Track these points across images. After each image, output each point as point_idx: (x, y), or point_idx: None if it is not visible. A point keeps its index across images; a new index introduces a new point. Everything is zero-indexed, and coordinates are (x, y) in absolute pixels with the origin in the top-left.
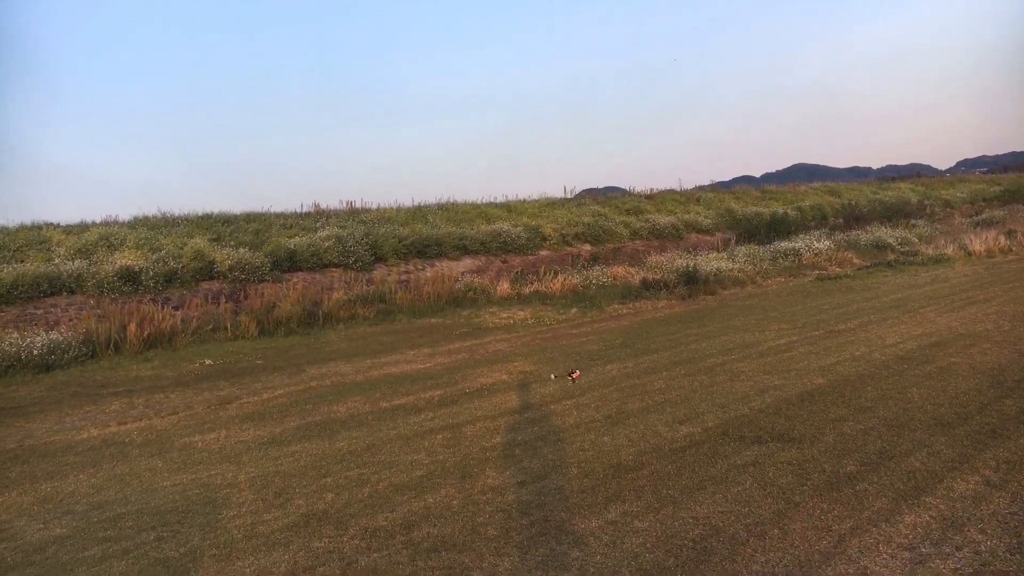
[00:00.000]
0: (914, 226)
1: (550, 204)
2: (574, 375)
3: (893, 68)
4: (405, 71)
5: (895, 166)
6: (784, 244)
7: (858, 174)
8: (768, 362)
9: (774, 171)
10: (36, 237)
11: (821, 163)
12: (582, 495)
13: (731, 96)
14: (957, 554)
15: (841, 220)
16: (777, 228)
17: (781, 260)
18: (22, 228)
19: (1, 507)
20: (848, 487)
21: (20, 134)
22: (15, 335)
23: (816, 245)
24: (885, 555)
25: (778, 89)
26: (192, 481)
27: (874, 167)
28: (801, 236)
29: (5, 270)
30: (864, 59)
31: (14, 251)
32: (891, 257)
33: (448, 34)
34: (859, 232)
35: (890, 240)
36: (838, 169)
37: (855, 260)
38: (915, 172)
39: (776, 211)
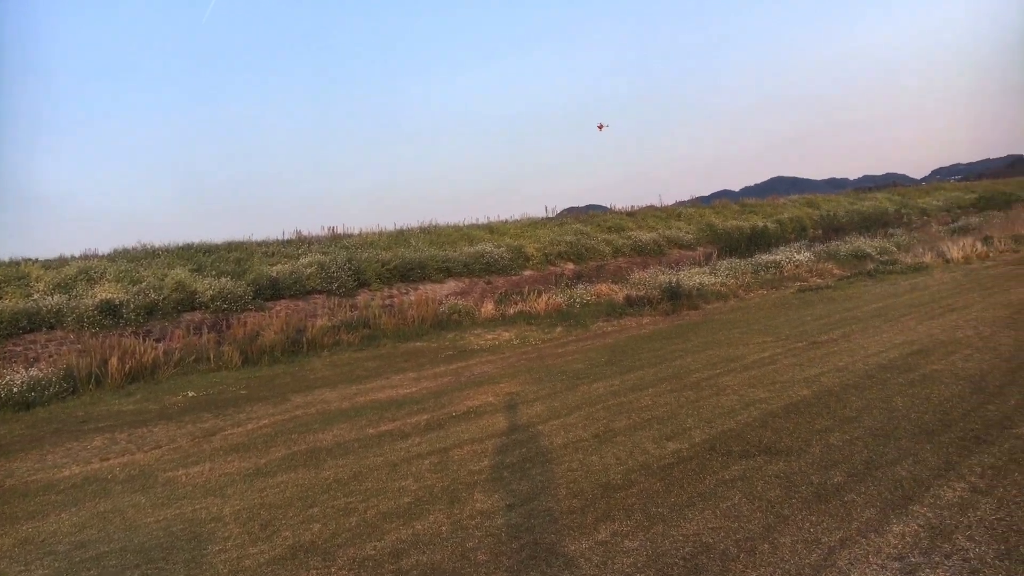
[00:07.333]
0: (892, 235)
1: (532, 224)
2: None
3: (868, 78)
4: (387, 96)
5: (872, 176)
6: (765, 257)
7: (836, 185)
8: (753, 375)
9: (753, 184)
10: (14, 273)
11: (799, 175)
12: (571, 516)
13: (708, 111)
14: (946, 563)
15: (820, 231)
16: (757, 241)
17: (762, 273)
18: None
19: None
20: (836, 498)
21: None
22: None
23: (796, 257)
24: (875, 566)
25: (755, 103)
26: (176, 516)
27: (851, 178)
28: (781, 248)
29: None
30: (840, 70)
31: None
32: (870, 267)
33: (426, 58)
34: (838, 243)
35: (869, 250)
36: (816, 181)
37: (835, 271)
38: (891, 182)
39: (756, 224)
